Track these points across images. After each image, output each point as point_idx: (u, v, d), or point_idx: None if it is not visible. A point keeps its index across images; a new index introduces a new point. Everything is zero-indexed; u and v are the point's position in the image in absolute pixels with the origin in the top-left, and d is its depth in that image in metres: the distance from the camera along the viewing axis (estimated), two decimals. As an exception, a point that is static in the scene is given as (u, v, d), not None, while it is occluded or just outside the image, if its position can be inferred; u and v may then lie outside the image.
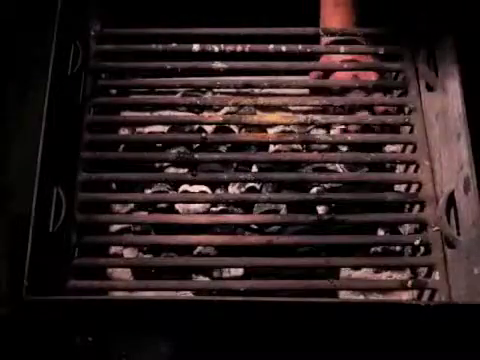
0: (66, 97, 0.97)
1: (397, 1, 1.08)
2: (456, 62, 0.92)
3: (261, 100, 1.03)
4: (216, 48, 1.06)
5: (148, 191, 1.03)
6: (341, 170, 1.04)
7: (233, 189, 1.04)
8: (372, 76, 1.06)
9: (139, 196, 1.00)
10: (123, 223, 1.02)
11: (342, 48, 1.06)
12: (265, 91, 1.07)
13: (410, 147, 1.03)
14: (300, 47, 1.06)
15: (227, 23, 1.08)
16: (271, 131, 1.06)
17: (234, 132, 1.07)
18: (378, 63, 1.07)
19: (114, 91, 1.11)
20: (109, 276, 1.00)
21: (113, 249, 1.02)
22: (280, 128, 1.06)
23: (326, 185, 1.03)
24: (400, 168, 1.06)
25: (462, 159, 0.88)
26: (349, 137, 1.01)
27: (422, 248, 0.97)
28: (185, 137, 1.04)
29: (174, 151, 1.01)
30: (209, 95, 1.09)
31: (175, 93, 1.08)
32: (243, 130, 1.07)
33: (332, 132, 1.04)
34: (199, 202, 0.99)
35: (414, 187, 1.00)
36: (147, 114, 1.09)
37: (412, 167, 1.01)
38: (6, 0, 1.10)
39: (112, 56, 1.09)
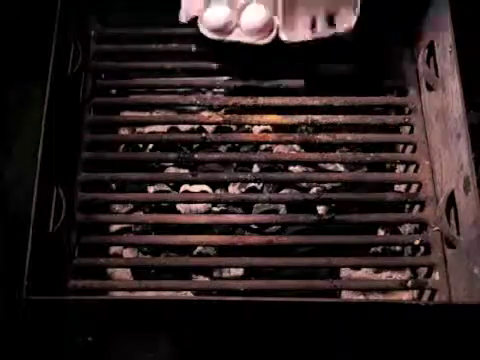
0: (66, 97, 0.97)
1: (398, 1, 1.08)
2: (456, 62, 0.92)
3: (261, 100, 1.03)
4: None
5: (149, 191, 1.03)
6: (341, 170, 1.04)
7: (233, 189, 1.04)
8: None
9: (139, 196, 1.00)
10: (123, 223, 1.02)
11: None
12: (265, 91, 1.07)
13: (410, 147, 1.03)
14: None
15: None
16: (271, 131, 1.06)
17: (234, 132, 1.07)
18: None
19: (114, 91, 1.11)
20: (109, 276, 1.01)
21: (113, 249, 1.03)
22: (280, 128, 1.06)
23: (326, 185, 1.03)
24: (400, 168, 1.06)
25: (462, 159, 0.88)
26: (349, 137, 1.01)
27: (422, 248, 0.97)
28: (185, 137, 1.04)
29: (174, 151, 1.01)
30: (209, 95, 1.09)
31: (175, 93, 1.08)
32: (243, 130, 1.07)
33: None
34: (199, 202, 0.99)
35: (414, 187, 1.00)
36: (147, 114, 1.09)
37: (412, 167, 1.01)
38: (8, 1, 1.10)
39: (112, 56, 1.09)
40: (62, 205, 0.91)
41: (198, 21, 1.02)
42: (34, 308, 0.82)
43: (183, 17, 1.03)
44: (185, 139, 1.03)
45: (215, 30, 1.02)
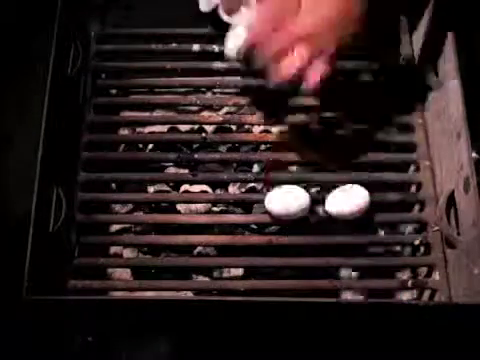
0: (66, 97, 0.97)
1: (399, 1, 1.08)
2: (456, 61, 0.92)
3: (261, 100, 1.03)
4: (216, 48, 1.06)
5: (149, 191, 1.04)
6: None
7: (233, 189, 1.04)
8: None
9: (139, 196, 1.00)
10: (123, 223, 1.02)
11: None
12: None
13: (410, 147, 1.03)
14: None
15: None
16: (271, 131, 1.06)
17: (234, 132, 1.07)
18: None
19: (114, 91, 1.11)
20: (109, 276, 1.01)
21: (113, 249, 1.03)
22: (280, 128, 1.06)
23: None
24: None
25: (462, 159, 0.88)
26: (349, 137, 1.01)
27: (422, 248, 0.97)
28: (185, 137, 1.04)
29: (174, 151, 1.01)
30: (209, 95, 1.09)
31: (175, 93, 1.08)
32: (243, 130, 1.07)
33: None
34: (199, 202, 0.99)
35: (414, 187, 1.00)
36: (147, 114, 1.09)
37: (412, 167, 1.01)
38: (6, 0, 1.10)
39: (112, 56, 1.09)
40: (62, 205, 0.91)
41: (218, 8, 1.02)
42: (34, 308, 0.82)
43: (205, 7, 1.03)
44: (185, 139, 1.03)
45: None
